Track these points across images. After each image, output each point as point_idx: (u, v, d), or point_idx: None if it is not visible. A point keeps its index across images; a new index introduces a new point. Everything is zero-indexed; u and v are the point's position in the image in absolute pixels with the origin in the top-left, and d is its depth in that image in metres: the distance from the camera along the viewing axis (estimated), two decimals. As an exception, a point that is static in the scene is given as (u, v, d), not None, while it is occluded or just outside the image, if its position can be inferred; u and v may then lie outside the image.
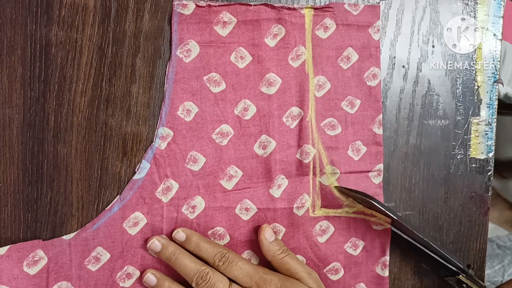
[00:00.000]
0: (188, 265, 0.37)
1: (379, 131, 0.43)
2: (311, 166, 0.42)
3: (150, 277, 0.38)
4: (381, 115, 0.43)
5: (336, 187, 0.42)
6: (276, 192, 0.41)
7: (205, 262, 0.37)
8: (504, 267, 0.84)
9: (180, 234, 0.38)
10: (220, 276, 0.37)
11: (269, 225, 0.41)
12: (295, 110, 0.41)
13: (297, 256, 0.42)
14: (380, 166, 0.44)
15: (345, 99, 0.43)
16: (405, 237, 0.42)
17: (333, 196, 0.42)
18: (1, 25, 0.36)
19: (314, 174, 0.42)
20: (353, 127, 0.43)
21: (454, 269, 0.43)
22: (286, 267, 0.39)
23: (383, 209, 0.40)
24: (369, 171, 0.43)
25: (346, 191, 0.42)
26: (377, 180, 0.44)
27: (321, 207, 0.42)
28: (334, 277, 0.43)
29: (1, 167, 0.36)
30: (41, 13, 0.36)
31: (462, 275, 0.42)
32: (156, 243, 0.38)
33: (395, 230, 0.43)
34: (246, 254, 0.41)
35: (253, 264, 0.39)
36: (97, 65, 0.37)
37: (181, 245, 0.38)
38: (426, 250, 0.42)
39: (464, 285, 0.43)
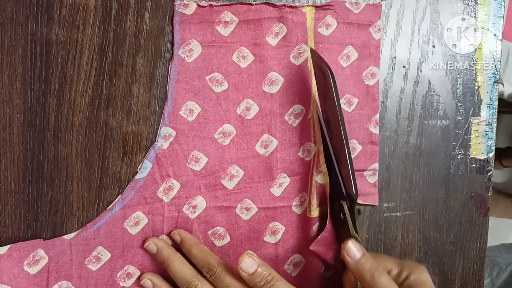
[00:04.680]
0: (178, 274, 0.36)
1: (375, 130, 0.43)
2: (311, 164, 0.42)
3: (147, 282, 0.38)
4: (378, 114, 0.43)
5: (310, 48, 0.40)
6: (277, 191, 0.41)
7: None
8: (493, 280, 0.83)
9: (175, 236, 0.39)
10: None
11: (249, 252, 0.35)
12: (297, 108, 0.41)
13: (296, 255, 0.42)
14: (376, 165, 0.44)
15: (343, 97, 0.42)
16: (327, 140, 0.39)
17: (327, 195, 0.42)
18: (2, 24, 0.35)
19: (312, 172, 0.42)
20: (349, 125, 0.43)
21: (345, 194, 0.38)
22: None
23: (333, 88, 0.36)
24: (363, 170, 0.43)
25: (316, 56, 0.39)
26: (372, 179, 0.44)
27: (316, 206, 0.42)
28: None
29: (2, 167, 0.36)
30: (42, 12, 0.36)
31: (346, 203, 0.38)
32: (151, 246, 0.38)
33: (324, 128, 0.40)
34: (246, 253, 0.41)
35: (241, 284, 0.35)
36: (98, 65, 0.37)
37: (178, 246, 0.38)
38: (335, 163, 0.38)
39: (341, 214, 0.38)
